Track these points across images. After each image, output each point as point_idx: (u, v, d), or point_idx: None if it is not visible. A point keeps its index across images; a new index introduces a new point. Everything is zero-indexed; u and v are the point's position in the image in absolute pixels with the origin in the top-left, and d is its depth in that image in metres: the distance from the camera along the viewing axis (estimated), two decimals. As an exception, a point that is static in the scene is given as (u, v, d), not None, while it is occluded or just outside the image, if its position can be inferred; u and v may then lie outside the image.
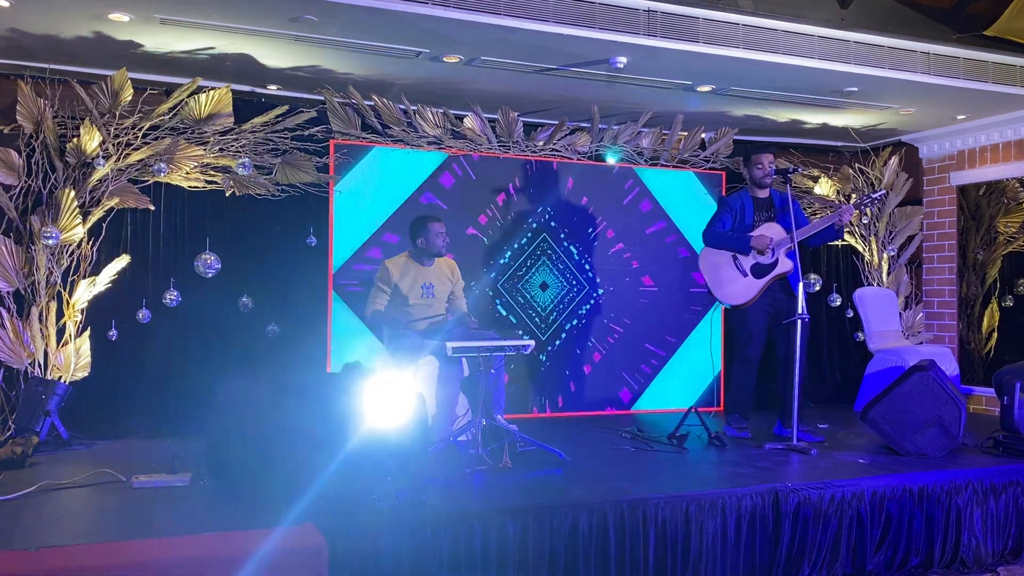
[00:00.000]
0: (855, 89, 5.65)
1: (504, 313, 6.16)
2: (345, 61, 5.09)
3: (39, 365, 4.89)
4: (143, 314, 5.34)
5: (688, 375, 6.66)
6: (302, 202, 5.64)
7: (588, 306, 6.42)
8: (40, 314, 4.88)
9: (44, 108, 4.92)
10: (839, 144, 7.29)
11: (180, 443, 4.69)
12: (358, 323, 5.67)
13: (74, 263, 5.04)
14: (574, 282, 6.38)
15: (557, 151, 6.24)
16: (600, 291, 6.45)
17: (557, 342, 6.31)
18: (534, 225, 6.25)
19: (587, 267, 6.42)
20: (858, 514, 3.84)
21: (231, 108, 5.32)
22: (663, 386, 6.58)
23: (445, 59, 5.00)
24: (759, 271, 5.05)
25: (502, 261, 6.17)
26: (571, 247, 6.37)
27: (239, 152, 5.36)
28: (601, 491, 3.63)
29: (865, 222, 7.05)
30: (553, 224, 6.31)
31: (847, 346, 7.26)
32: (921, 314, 7.13)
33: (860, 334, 6.95)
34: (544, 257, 6.28)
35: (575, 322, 6.37)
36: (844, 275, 7.25)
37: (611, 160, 6.41)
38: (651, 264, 6.60)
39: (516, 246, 6.21)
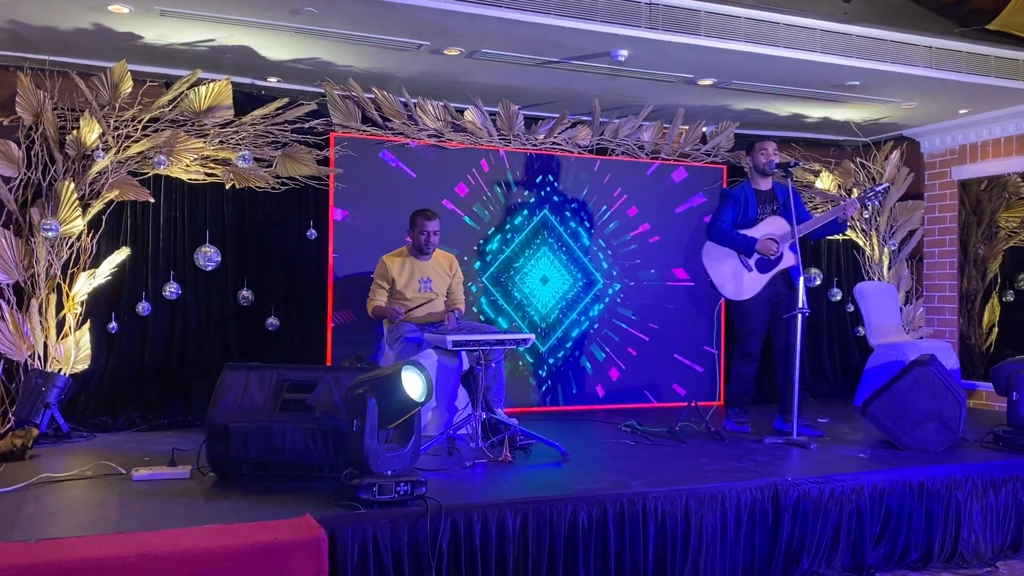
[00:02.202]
0: (857, 83, 5.64)
1: (505, 306, 6.15)
2: (345, 54, 5.08)
3: (39, 357, 4.89)
4: (143, 307, 5.34)
5: (686, 367, 6.66)
6: (302, 195, 5.63)
7: (587, 300, 6.41)
8: (40, 306, 4.88)
9: (44, 100, 4.91)
10: (840, 138, 7.27)
11: (179, 436, 4.70)
12: (358, 316, 5.66)
13: (74, 255, 5.03)
14: (576, 276, 6.35)
15: (558, 144, 6.23)
16: (599, 285, 6.44)
17: (556, 334, 6.30)
18: (535, 218, 6.24)
19: (588, 261, 6.40)
20: (858, 508, 3.84)
21: (231, 100, 5.31)
22: (662, 379, 6.58)
23: (446, 52, 4.98)
24: (764, 266, 5.04)
25: (503, 254, 6.15)
26: (572, 241, 6.35)
27: (239, 145, 5.35)
28: (601, 485, 3.63)
29: (866, 216, 7.05)
30: (554, 217, 6.29)
31: (847, 340, 7.26)
32: (922, 309, 7.12)
33: (860, 329, 6.95)
34: (545, 251, 6.26)
35: (574, 316, 6.35)
36: (845, 269, 7.25)
37: None
38: (683, 251, 6.58)
39: (517, 239, 6.19)
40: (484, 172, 6.05)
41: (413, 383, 3.25)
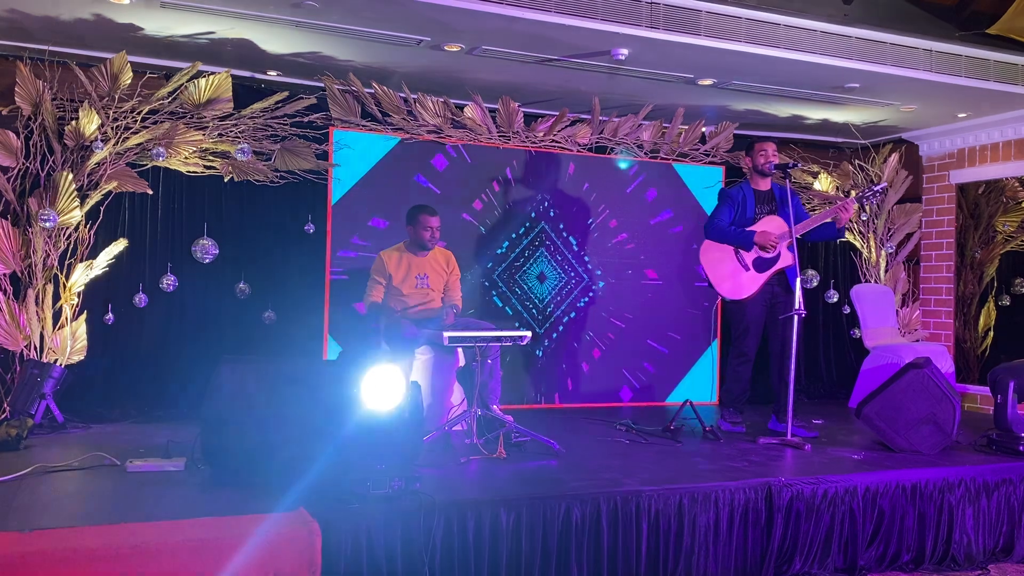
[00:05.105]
0: (857, 85, 5.65)
1: (500, 304, 6.14)
2: (346, 48, 5.08)
3: (35, 348, 4.89)
4: (140, 298, 5.34)
5: (687, 367, 6.65)
6: (300, 189, 5.63)
7: (587, 299, 6.40)
8: (37, 297, 4.88)
9: (43, 90, 4.90)
10: (839, 140, 7.28)
11: (175, 428, 4.69)
12: (355, 311, 5.66)
13: (71, 246, 5.03)
14: (572, 274, 6.36)
15: (557, 142, 6.23)
16: (601, 283, 6.43)
17: (554, 335, 6.29)
18: (532, 214, 6.23)
19: (587, 258, 6.39)
20: (851, 510, 3.85)
21: (231, 93, 5.30)
22: (664, 379, 6.57)
23: (446, 48, 4.98)
24: (761, 265, 5.04)
25: (499, 251, 6.15)
26: (571, 237, 6.34)
27: (238, 137, 5.35)
28: (595, 482, 3.63)
29: (864, 219, 7.06)
30: (552, 213, 6.27)
31: (843, 342, 7.27)
32: (918, 312, 7.14)
33: (856, 331, 6.96)
34: (542, 247, 6.26)
35: (573, 315, 6.34)
36: (842, 272, 7.26)
37: (623, 166, 6.43)
38: (656, 256, 6.56)
39: (513, 235, 6.19)
40: (495, 191, 6.12)
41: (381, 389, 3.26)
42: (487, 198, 6.12)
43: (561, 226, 6.31)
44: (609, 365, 6.43)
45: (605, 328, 6.44)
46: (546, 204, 6.27)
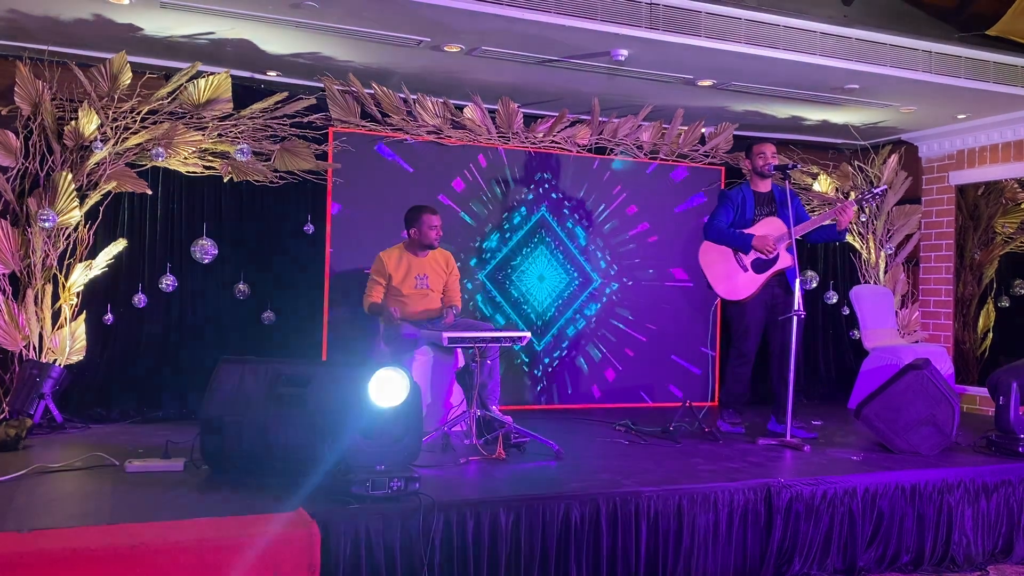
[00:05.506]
0: (856, 86, 5.65)
1: (489, 312, 5.92)
2: (346, 48, 5.08)
3: (34, 348, 4.88)
4: (139, 299, 5.34)
5: (683, 370, 6.60)
6: (300, 189, 5.63)
7: (598, 304, 6.04)
8: (36, 297, 4.87)
9: (42, 90, 4.90)
10: (839, 141, 7.28)
11: (174, 428, 4.69)
12: (354, 312, 5.65)
13: (70, 246, 5.03)
14: (578, 273, 6.07)
15: (557, 143, 6.22)
16: (615, 285, 6.11)
17: (557, 353, 6.05)
18: (529, 196, 5.91)
19: (598, 254, 6.04)
20: (850, 511, 3.85)
21: (230, 93, 5.30)
22: (658, 380, 6.49)
23: (446, 48, 4.98)
24: (760, 266, 5.04)
25: (487, 244, 5.95)
26: (577, 228, 5.99)
27: (238, 138, 5.35)
28: (594, 483, 3.63)
29: (863, 220, 7.06)
30: (555, 196, 5.85)
31: (842, 343, 7.27)
32: (917, 313, 7.14)
33: (856, 332, 6.96)
34: (542, 244, 6.08)
35: (581, 324, 6.05)
36: (841, 273, 7.26)
37: (616, 167, 6.38)
38: (686, 251, 6.04)
39: (505, 224, 5.99)
40: (482, 168, 5.96)
41: (385, 387, 3.25)
42: (471, 176, 5.78)
43: (565, 212, 5.88)
44: (626, 387, 5.92)
45: (621, 342, 6.00)
46: (547, 185, 5.84)
